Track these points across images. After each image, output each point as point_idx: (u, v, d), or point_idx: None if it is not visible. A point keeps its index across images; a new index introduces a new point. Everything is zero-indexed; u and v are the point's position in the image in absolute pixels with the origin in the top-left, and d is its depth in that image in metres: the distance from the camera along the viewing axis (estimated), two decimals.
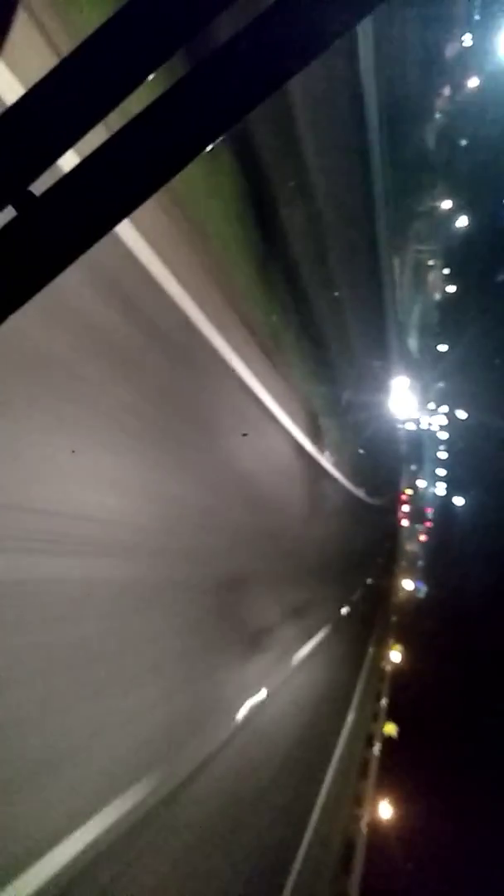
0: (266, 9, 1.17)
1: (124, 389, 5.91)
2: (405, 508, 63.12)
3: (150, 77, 1.21)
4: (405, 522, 64.06)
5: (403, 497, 62.39)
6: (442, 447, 69.14)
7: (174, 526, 7.22)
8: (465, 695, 37.99)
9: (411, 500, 65.78)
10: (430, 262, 44.90)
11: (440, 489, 70.10)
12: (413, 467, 65.97)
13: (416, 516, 68.14)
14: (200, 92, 1.21)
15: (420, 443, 61.13)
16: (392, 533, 55.09)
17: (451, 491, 68.95)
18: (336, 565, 21.49)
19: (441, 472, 68.97)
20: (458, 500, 66.59)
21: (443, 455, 68.27)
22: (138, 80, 1.21)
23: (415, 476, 66.68)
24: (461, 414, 68.01)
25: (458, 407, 65.61)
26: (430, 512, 70.99)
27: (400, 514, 61.64)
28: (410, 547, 61.83)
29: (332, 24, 1.18)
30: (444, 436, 69.05)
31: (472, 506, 64.84)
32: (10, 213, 1.21)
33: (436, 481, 71.05)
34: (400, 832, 24.11)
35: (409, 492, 64.33)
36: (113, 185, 1.23)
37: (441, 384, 57.70)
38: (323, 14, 1.17)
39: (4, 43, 1.26)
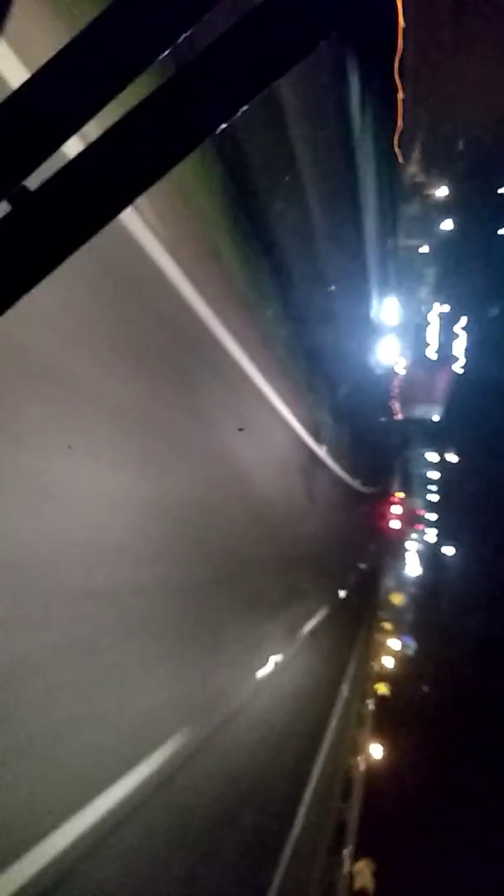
0: (261, 2, 1.21)
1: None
2: (395, 509, 55.89)
3: (146, 71, 1.24)
4: (395, 525, 56.22)
5: (394, 499, 56.89)
6: (432, 488, 64.79)
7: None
8: None
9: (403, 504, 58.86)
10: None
11: (430, 535, 65.55)
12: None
13: (409, 519, 61.39)
14: (198, 85, 1.24)
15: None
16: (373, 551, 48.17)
17: (442, 538, 66.85)
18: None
19: (432, 516, 63.16)
20: (449, 550, 64.52)
21: (433, 497, 62.98)
22: (134, 73, 1.24)
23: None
24: (452, 458, 65.89)
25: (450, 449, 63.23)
26: (422, 514, 66.06)
27: (388, 514, 54.32)
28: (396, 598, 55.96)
29: (326, 17, 1.23)
30: (434, 475, 66.99)
31: (465, 553, 62.96)
32: (4, 208, 1.23)
33: (426, 526, 67.16)
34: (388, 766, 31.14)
35: (401, 495, 58.92)
36: (109, 180, 1.27)
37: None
38: (317, 7, 1.22)
39: (5, 24, 1.28)
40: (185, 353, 8.03)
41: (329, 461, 22.68)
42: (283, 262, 13.41)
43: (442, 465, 66.01)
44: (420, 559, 63.91)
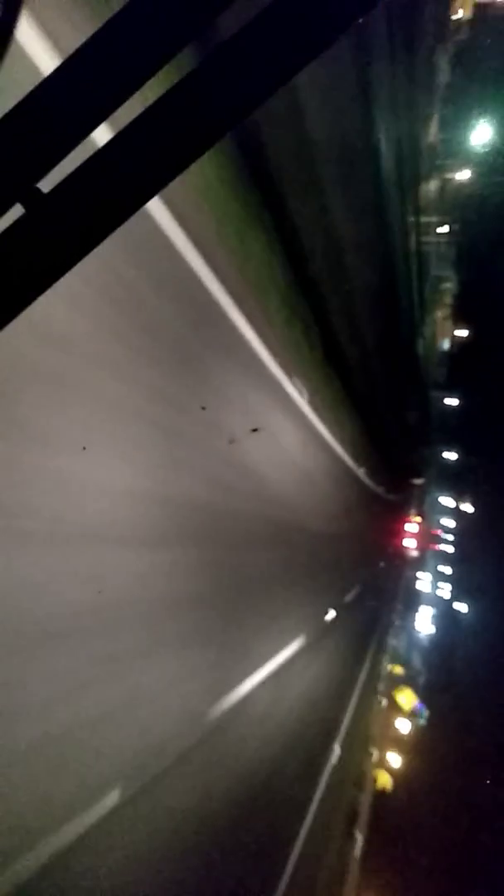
0: (270, 3, 1.23)
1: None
2: (412, 527, 53.15)
3: (158, 74, 1.27)
4: (410, 545, 53.30)
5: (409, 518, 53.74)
6: (447, 537, 58.91)
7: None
8: None
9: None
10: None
11: (444, 591, 63.04)
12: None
13: (425, 539, 58.72)
14: (207, 87, 1.26)
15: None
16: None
17: (456, 594, 64.05)
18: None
19: (445, 569, 59.06)
20: (463, 607, 61.67)
21: (448, 548, 59.11)
22: (145, 76, 1.27)
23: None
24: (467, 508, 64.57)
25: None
26: (440, 535, 63.53)
27: (403, 532, 51.32)
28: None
29: (338, 16, 1.24)
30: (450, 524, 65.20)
31: (480, 611, 59.66)
32: (18, 210, 1.27)
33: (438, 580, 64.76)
34: None
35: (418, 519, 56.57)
36: (121, 182, 1.29)
37: None
38: (328, 6, 1.23)
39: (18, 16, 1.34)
40: (203, 350, 8.19)
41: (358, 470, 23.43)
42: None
43: (457, 514, 61.14)
44: (433, 617, 58.15)
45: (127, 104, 1.26)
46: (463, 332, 43.16)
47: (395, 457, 39.61)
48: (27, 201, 1.26)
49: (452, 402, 48.40)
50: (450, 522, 64.96)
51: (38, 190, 1.27)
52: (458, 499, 63.30)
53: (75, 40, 1.37)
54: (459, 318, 42.11)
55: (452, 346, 43.69)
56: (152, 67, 1.25)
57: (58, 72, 1.25)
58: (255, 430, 10.19)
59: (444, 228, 29.67)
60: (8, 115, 1.24)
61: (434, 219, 27.86)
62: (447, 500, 64.25)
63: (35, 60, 4.14)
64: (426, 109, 22.43)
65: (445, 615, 61.31)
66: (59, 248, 1.27)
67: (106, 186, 1.27)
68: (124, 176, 1.27)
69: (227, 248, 8.57)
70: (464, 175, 28.10)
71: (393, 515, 48.65)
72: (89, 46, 1.24)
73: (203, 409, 8.13)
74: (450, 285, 37.67)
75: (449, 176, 27.41)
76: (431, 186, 25.45)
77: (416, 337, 32.18)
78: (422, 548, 59.45)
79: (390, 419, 32.90)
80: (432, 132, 24.35)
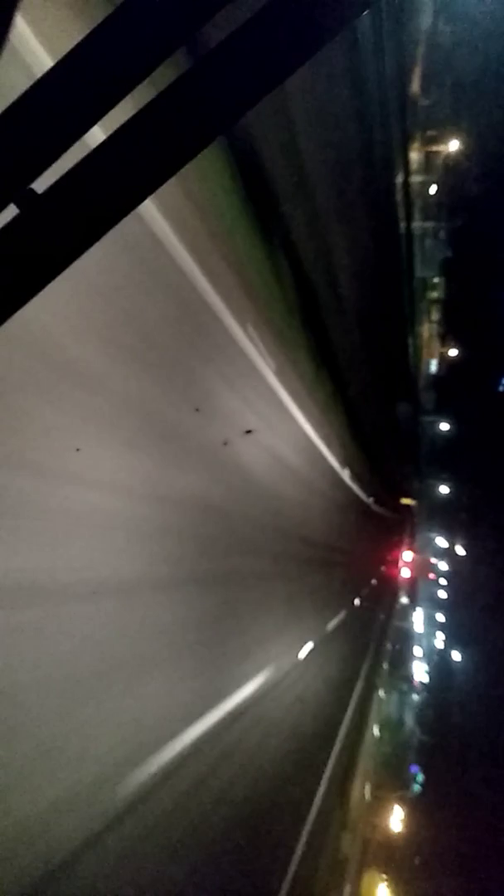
0: (265, 4, 1.29)
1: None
2: (407, 556, 53.94)
3: (152, 74, 1.33)
4: (405, 574, 53.43)
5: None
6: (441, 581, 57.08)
7: None
8: None
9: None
10: None
11: (438, 640, 55.01)
12: None
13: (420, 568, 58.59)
14: (201, 88, 1.32)
15: None
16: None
17: (451, 643, 61.02)
18: None
19: (440, 616, 55.87)
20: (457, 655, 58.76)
21: (442, 594, 56.16)
22: (139, 77, 1.32)
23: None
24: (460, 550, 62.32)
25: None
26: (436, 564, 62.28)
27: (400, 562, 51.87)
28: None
29: (331, 19, 1.30)
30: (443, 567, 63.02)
31: (476, 661, 55.96)
32: (12, 211, 1.32)
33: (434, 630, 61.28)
34: None
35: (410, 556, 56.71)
36: (115, 183, 1.34)
37: None
38: (321, 9, 1.29)
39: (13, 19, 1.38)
40: (196, 353, 8.50)
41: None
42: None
43: (450, 556, 58.23)
44: (427, 669, 54.26)
45: (121, 105, 1.33)
46: (452, 352, 40.29)
47: (385, 468, 39.18)
48: (21, 202, 1.31)
49: (444, 427, 45.33)
50: (442, 565, 61.54)
51: (33, 191, 1.32)
52: (451, 539, 60.07)
53: (69, 40, 1.41)
54: (447, 335, 39.27)
55: (441, 367, 40.85)
56: (146, 68, 1.31)
57: (51, 73, 1.30)
58: (248, 431, 10.37)
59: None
60: (1, 117, 1.30)
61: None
62: (440, 540, 60.80)
63: (28, 60, 4.28)
64: None
65: (439, 664, 57.33)
66: (53, 248, 1.32)
67: (100, 187, 1.32)
68: (118, 176, 1.32)
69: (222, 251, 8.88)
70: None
71: (384, 533, 48.09)
72: (82, 48, 1.31)
73: (197, 410, 8.42)
74: (436, 294, 34.95)
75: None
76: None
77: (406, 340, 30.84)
78: (416, 577, 59.37)
79: (380, 424, 32.94)
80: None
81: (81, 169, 1.30)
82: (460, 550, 62.86)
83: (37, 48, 4.34)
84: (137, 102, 1.32)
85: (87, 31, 1.29)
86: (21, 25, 4.31)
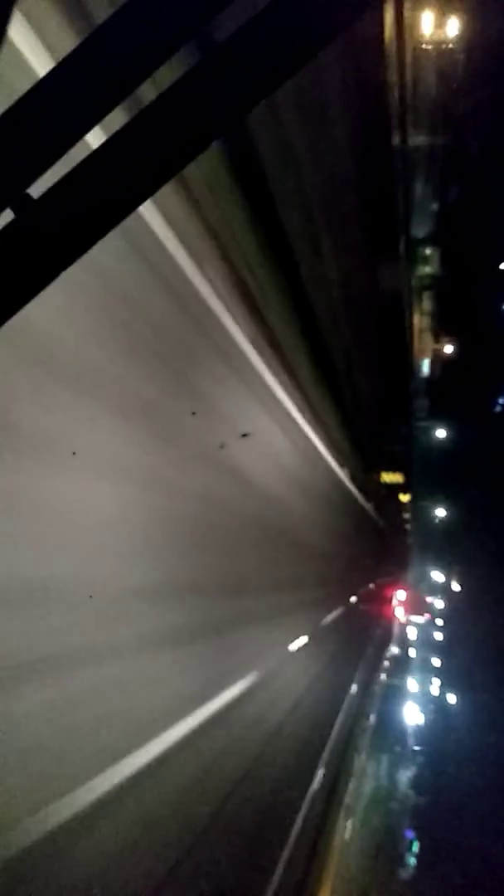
0: (264, 6, 1.32)
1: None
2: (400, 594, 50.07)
3: (148, 80, 1.37)
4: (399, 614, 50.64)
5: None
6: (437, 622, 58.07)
7: None
8: None
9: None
10: None
11: (434, 687, 56.93)
12: None
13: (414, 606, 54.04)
14: (197, 93, 1.35)
15: None
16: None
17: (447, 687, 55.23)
18: None
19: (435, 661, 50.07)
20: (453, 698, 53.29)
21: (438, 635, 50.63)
22: (135, 83, 1.36)
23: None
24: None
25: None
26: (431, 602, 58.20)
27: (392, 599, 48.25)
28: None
29: (331, 21, 1.33)
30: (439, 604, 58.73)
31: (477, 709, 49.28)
32: (8, 216, 1.37)
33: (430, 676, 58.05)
34: None
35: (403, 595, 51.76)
36: (111, 187, 1.38)
37: None
38: (320, 11, 1.32)
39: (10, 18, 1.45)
40: (195, 356, 8.83)
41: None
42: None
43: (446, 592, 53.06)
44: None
45: (117, 110, 1.38)
46: (447, 349, 35.33)
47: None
48: (17, 207, 1.35)
49: (440, 435, 40.12)
50: (438, 602, 56.13)
51: (29, 196, 1.36)
52: (447, 573, 54.85)
53: (70, 40, 1.57)
54: (442, 329, 34.37)
55: (434, 367, 35.84)
56: (142, 73, 1.35)
57: (47, 78, 1.36)
58: (245, 434, 10.49)
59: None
60: None
61: None
62: (435, 574, 55.28)
63: (30, 61, 4.35)
64: None
65: (435, 710, 54.01)
66: (49, 252, 1.37)
67: (96, 191, 1.36)
68: (115, 181, 1.36)
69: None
70: None
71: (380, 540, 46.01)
72: (77, 53, 1.36)
73: (193, 414, 8.54)
74: (429, 270, 30.04)
75: None
76: None
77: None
78: (412, 614, 55.60)
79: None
80: None
81: (78, 174, 1.36)
82: (455, 586, 57.46)
83: (38, 48, 4.46)
84: (133, 107, 1.38)
85: (85, 35, 1.36)
86: (22, 25, 4.52)
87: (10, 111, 1.31)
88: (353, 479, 26.87)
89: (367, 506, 33.80)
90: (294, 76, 1.30)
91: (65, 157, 1.34)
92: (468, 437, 42.83)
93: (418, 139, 23.27)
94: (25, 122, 1.30)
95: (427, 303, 34.29)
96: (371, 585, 44.43)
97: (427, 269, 31.07)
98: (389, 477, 43.64)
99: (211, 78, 1.30)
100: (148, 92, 1.34)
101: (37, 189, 1.34)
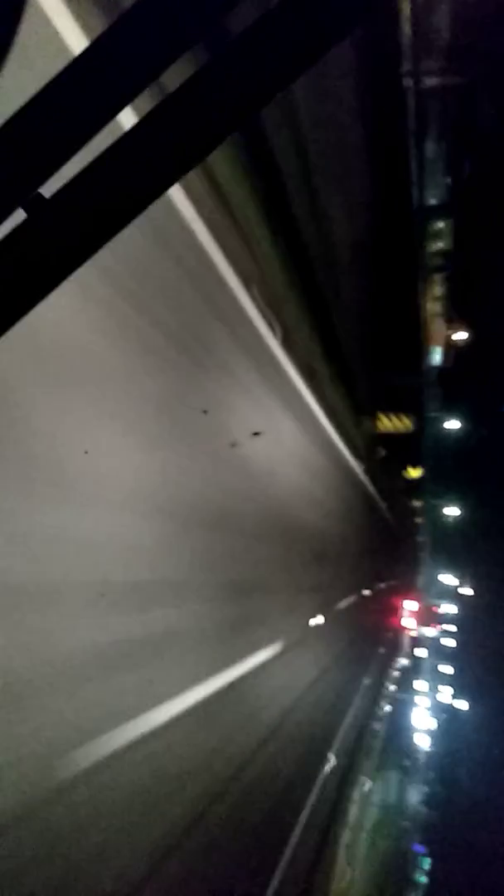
0: (272, 7, 1.33)
1: None
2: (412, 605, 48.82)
3: (159, 78, 1.38)
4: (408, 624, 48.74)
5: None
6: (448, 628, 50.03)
7: None
8: None
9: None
10: None
11: (444, 694, 54.97)
12: None
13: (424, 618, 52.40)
14: (209, 90, 1.37)
15: None
16: None
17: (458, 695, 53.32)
18: None
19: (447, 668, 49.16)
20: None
21: (450, 642, 49.50)
22: (147, 80, 1.38)
23: None
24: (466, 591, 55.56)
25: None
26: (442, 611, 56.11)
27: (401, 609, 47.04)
28: None
29: (338, 20, 1.33)
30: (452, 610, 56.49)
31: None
32: (20, 216, 1.39)
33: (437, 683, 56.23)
34: None
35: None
36: (123, 186, 1.39)
37: None
38: (328, 10, 1.33)
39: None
40: (208, 349, 9.03)
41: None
42: None
43: (457, 598, 51.55)
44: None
45: (129, 107, 1.39)
46: (462, 336, 33.16)
47: None
48: (29, 206, 1.37)
49: (452, 426, 37.87)
50: (451, 608, 54.24)
51: (41, 195, 1.38)
52: (460, 578, 52.94)
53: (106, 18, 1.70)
54: (456, 314, 32.18)
55: (448, 356, 33.70)
56: (155, 71, 1.36)
57: (60, 76, 1.37)
58: (256, 433, 10.46)
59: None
60: (10, 119, 1.39)
61: None
62: (446, 578, 53.17)
63: (66, 40, 4.57)
64: None
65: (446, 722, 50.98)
66: (61, 252, 1.38)
67: (108, 190, 1.38)
68: (127, 179, 1.38)
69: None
70: None
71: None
72: (92, 51, 1.38)
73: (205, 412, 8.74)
74: (442, 245, 27.83)
75: None
76: None
77: None
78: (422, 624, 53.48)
79: None
80: None
81: (90, 172, 1.37)
82: (467, 591, 55.61)
83: (71, 25, 4.60)
84: (146, 105, 1.40)
85: (93, 37, 1.36)
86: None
87: (22, 110, 1.34)
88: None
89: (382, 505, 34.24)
90: (308, 70, 1.30)
91: (77, 155, 1.36)
92: (483, 431, 41.04)
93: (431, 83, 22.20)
94: (37, 121, 1.32)
95: (439, 286, 32.60)
96: (381, 584, 43.08)
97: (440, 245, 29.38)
98: (413, 473, 41.73)
99: (224, 73, 1.31)
100: (160, 88, 1.37)
101: (49, 188, 1.36)
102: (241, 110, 1.31)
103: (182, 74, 1.34)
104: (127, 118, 1.36)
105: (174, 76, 1.36)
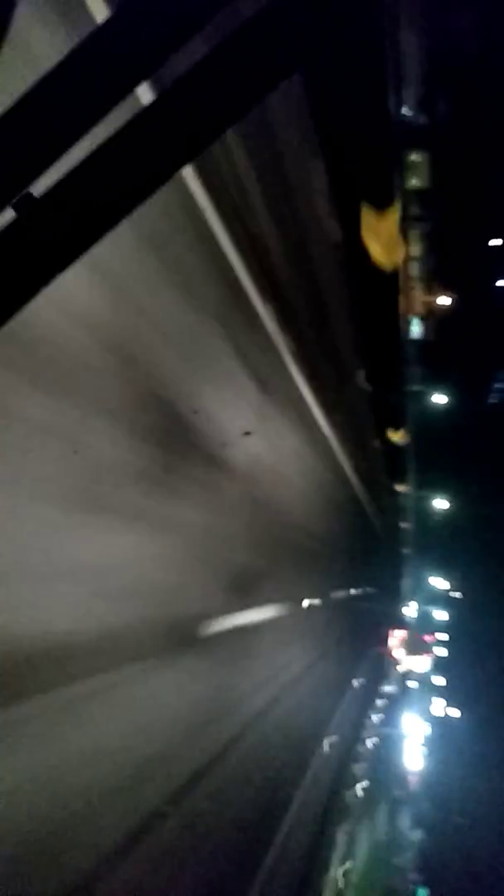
0: (264, 6, 1.33)
1: None
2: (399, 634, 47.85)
3: (148, 80, 1.38)
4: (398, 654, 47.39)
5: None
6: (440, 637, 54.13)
7: None
8: None
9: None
10: None
11: (437, 706, 52.28)
12: None
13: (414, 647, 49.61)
14: (196, 94, 1.35)
15: None
16: None
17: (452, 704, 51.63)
18: None
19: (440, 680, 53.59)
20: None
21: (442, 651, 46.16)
22: (135, 83, 1.36)
23: None
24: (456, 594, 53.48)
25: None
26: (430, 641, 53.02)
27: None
28: None
29: (325, 25, 1.32)
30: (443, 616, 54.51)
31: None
32: (9, 214, 1.38)
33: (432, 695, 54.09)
34: None
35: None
36: (112, 186, 1.37)
37: None
38: (316, 15, 1.33)
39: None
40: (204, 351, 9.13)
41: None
42: None
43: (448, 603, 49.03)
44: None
45: (117, 110, 1.37)
46: (445, 301, 29.93)
47: None
48: (19, 205, 1.35)
49: (438, 400, 34.44)
50: (441, 615, 51.33)
51: (30, 194, 1.35)
52: (450, 582, 50.07)
53: None
54: (438, 277, 28.98)
55: (428, 329, 30.40)
56: (139, 76, 1.35)
57: (49, 77, 1.35)
58: (247, 433, 10.46)
59: None
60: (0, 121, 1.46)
61: None
62: (436, 582, 49.96)
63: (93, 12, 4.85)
64: None
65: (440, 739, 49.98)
66: (51, 251, 1.35)
67: (97, 190, 1.35)
68: (115, 180, 1.35)
69: None
70: None
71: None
72: (77, 54, 1.35)
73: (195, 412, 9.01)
74: (417, 182, 24.49)
75: None
76: None
77: None
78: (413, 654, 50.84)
79: None
80: None
81: (78, 173, 1.36)
82: (457, 594, 52.80)
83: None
84: (135, 107, 1.39)
85: (80, 40, 1.38)
86: None
87: (11, 111, 1.32)
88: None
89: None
90: (291, 77, 1.36)
91: (66, 156, 1.35)
92: (469, 412, 37.97)
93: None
94: (26, 123, 1.30)
95: (416, 244, 29.19)
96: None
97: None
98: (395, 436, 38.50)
99: (211, 78, 1.30)
100: (148, 92, 1.47)
101: (38, 188, 1.35)
102: (228, 113, 1.31)
103: (170, 78, 1.34)
104: (116, 120, 1.35)
105: (162, 80, 1.38)
